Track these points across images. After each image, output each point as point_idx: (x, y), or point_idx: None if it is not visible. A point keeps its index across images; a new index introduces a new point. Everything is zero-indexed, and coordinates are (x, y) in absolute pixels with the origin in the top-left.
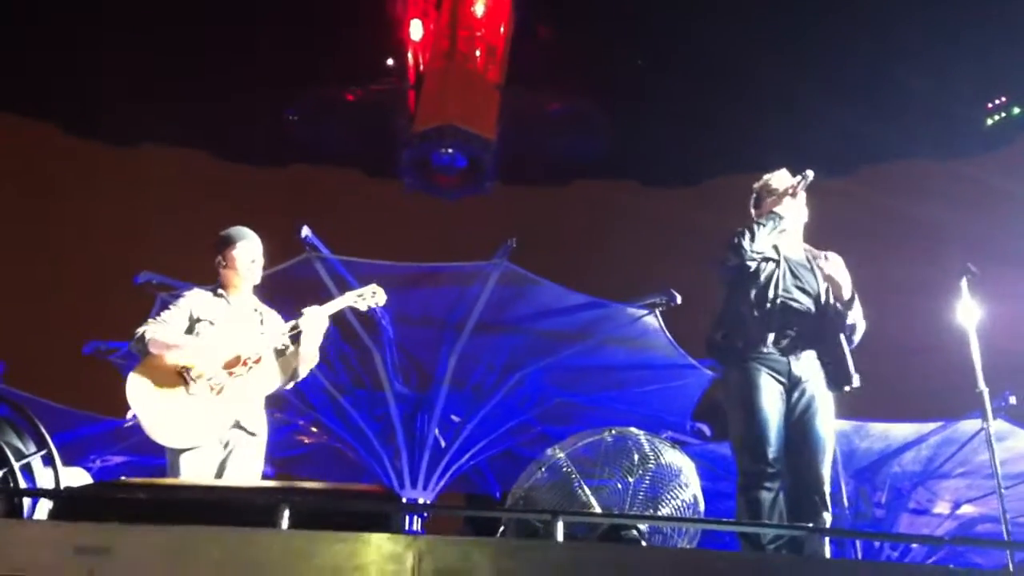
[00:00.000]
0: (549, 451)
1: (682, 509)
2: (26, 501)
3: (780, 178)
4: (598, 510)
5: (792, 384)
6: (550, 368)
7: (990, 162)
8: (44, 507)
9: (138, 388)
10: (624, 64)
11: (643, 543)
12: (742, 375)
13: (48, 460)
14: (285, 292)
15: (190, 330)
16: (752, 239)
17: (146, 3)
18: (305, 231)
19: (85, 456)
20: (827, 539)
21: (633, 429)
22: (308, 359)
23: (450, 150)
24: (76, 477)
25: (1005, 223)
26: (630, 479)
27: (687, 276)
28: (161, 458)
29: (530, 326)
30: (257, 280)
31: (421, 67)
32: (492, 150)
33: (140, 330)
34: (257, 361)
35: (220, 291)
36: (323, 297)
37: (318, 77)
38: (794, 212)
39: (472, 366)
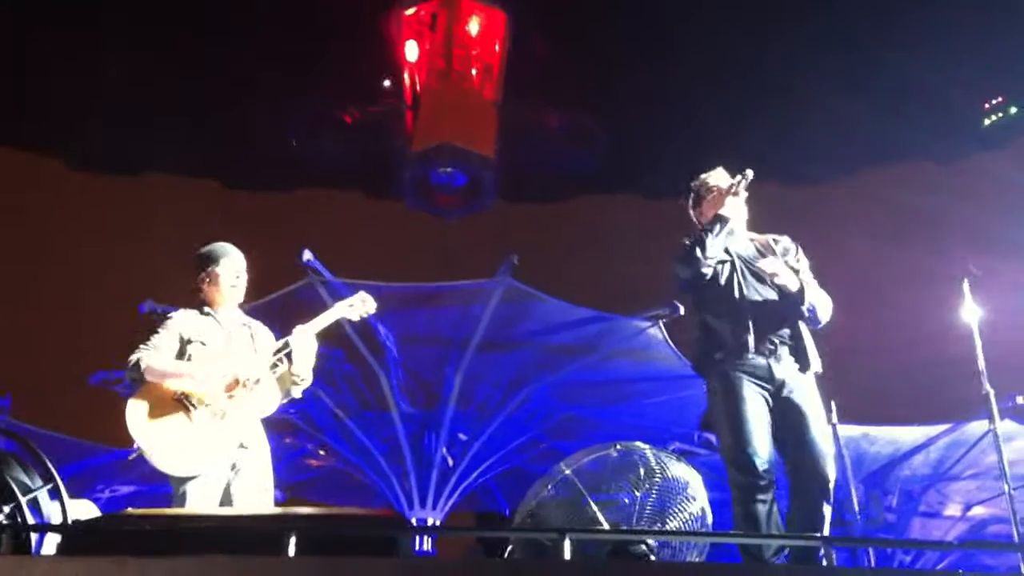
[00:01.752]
0: (556, 467)
1: (690, 522)
2: (34, 536)
3: (718, 176)
4: (606, 526)
5: (777, 387)
6: (556, 383)
7: (989, 162)
8: (52, 541)
9: (138, 417)
10: (621, 77)
11: (652, 558)
12: (724, 388)
13: (55, 494)
14: (288, 316)
15: (181, 352)
16: (703, 248)
17: (143, 30)
18: (306, 255)
19: (93, 487)
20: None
21: (639, 443)
22: (301, 380)
23: (449, 169)
24: (84, 509)
25: (1006, 223)
26: (637, 494)
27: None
28: (169, 486)
29: (535, 342)
30: (241, 297)
31: (418, 87)
32: (492, 167)
33: (133, 358)
34: (257, 382)
35: (207, 309)
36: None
37: (315, 100)
38: (737, 209)
39: (478, 384)
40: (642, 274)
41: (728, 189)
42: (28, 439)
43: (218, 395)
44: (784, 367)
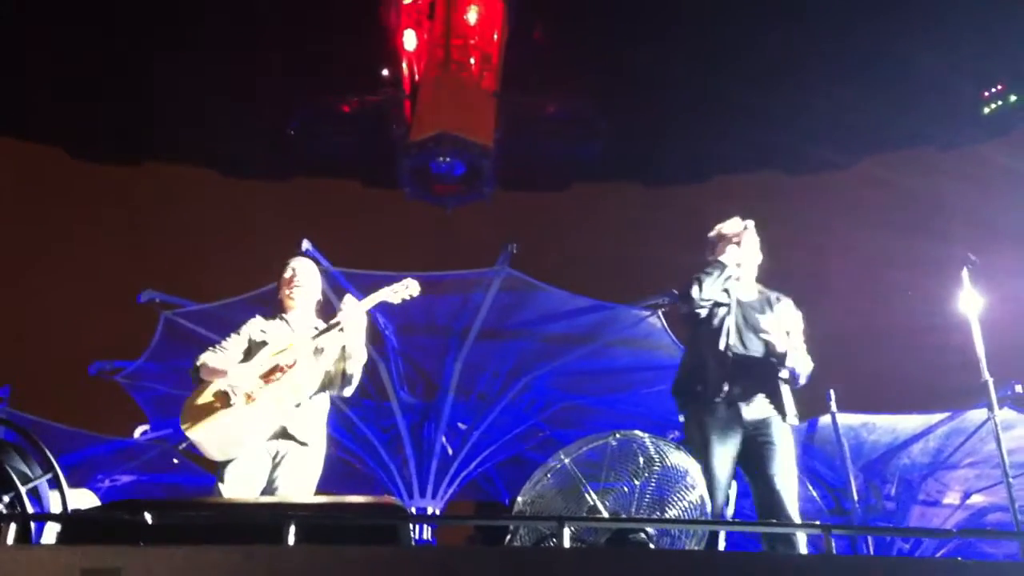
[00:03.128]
0: (555, 456)
1: (689, 511)
2: (33, 525)
3: (731, 226)
4: (605, 514)
5: (747, 428)
6: (555, 372)
7: (988, 150)
8: (52, 531)
9: (188, 407)
10: (621, 65)
11: (651, 546)
12: (697, 426)
13: (54, 483)
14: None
15: (249, 352)
16: (700, 288)
17: (143, 22)
18: (305, 244)
19: (93, 477)
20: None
21: (638, 432)
22: (356, 356)
23: (448, 158)
24: (83, 499)
25: (1005, 211)
26: (636, 482)
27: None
28: (169, 475)
29: (534, 331)
30: (307, 299)
31: (416, 77)
32: (490, 157)
33: (199, 359)
34: (291, 366)
35: (282, 314)
36: (326, 310)
37: (314, 90)
38: (745, 256)
39: (478, 373)
40: (641, 263)
41: (730, 237)
42: (28, 429)
43: (256, 381)
44: (759, 411)
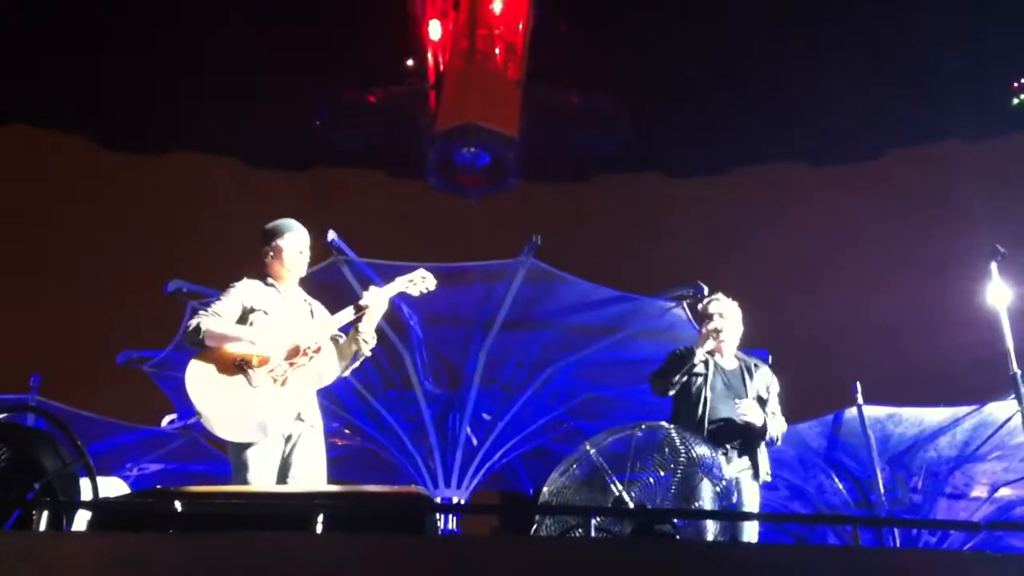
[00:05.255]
0: (580, 447)
1: (715, 501)
2: (65, 513)
3: (716, 305)
4: (631, 505)
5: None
6: (580, 363)
7: (1018, 142)
8: (83, 518)
9: (199, 383)
10: (644, 55)
11: (676, 537)
12: None
13: (85, 471)
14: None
15: (243, 319)
16: (670, 377)
17: (168, 10)
18: (331, 235)
19: (122, 465)
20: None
21: (664, 423)
22: (370, 338)
23: (473, 149)
24: (113, 487)
25: None
26: (662, 473)
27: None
28: (197, 463)
29: (558, 322)
30: (303, 272)
31: (441, 67)
32: (515, 147)
33: (193, 322)
34: (317, 351)
35: (271, 281)
36: (351, 299)
37: (339, 80)
38: (727, 335)
39: (502, 364)
40: (666, 254)
41: (709, 327)
42: (58, 417)
43: (279, 362)
44: (734, 470)
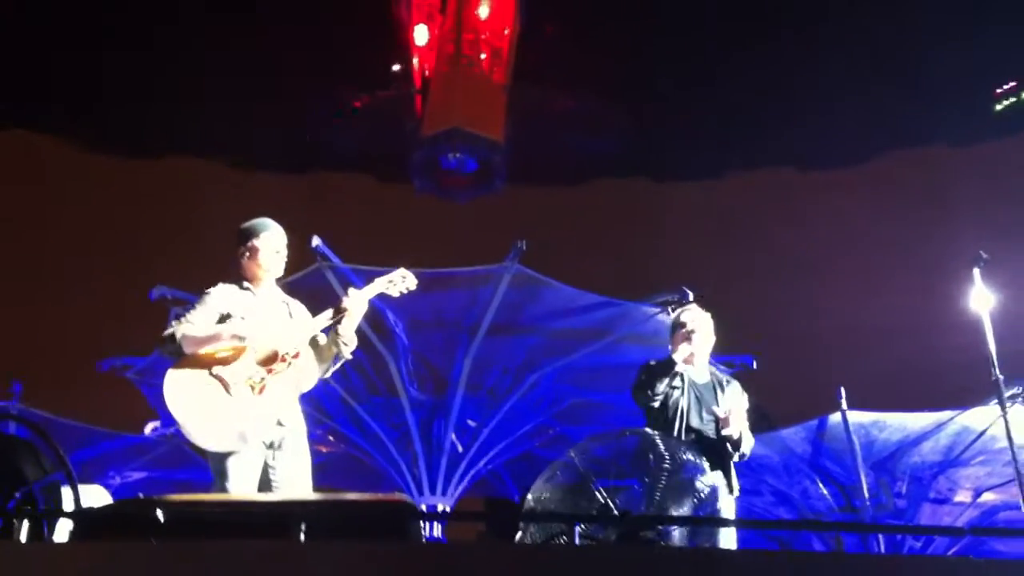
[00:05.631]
0: (565, 453)
1: (700, 507)
2: (46, 522)
3: (689, 315)
4: (616, 512)
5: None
6: (565, 368)
7: (1001, 147)
8: (64, 527)
9: (177, 392)
10: (632, 58)
11: (661, 543)
12: None
13: (66, 480)
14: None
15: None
16: (653, 388)
17: (154, 13)
18: (315, 241)
19: (104, 473)
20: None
21: (648, 429)
22: (350, 340)
23: (459, 153)
24: (95, 495)
25: (1019, 209)
26: (647, 479)
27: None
28: (180, 471)
29: (544, 327)
30: (280, 272)
31: (427, 72)
32: (501, 151)
33: (168, 331)
34: (296, 356)
35: (246, 284)
36: (336, 305)
37: (324, 84)
38: (698, 347)
39: (487, 369)
40: (656, 258)
41: (684, 334)
42: (39, 425)
43: (256, 368)
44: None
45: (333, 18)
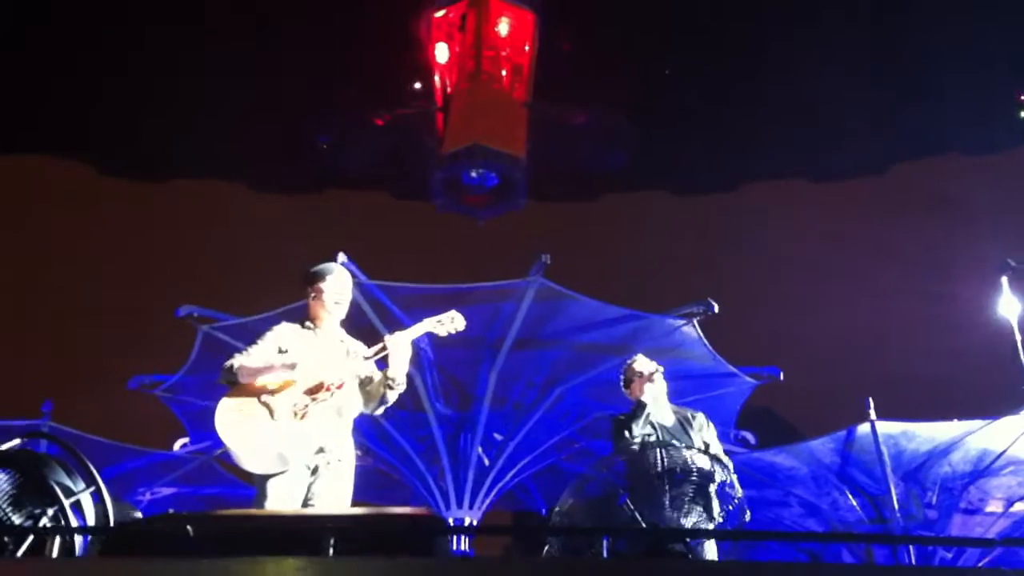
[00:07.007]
0: (591, 467)
1: (727, 517)
2: (77, 538)
3: (641, 363)
4: (643, 525)
5: None
6: (590, 382)
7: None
8: (95, 544)
9: (226, 418)
10: (648, 74)
11: (689, 556)
12: None
13: (97, 496)
14: None
15: None
16: (631, 431)
17: (173, 33)
18: (341, 257)
19: (134, 489)
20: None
21: (674, 442)
22: (396, 383)
23: (480, 170)
24: (124, 512)
25: None
26: (674, 491)
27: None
28: (210, 487)
29: (568, 341)
30: (343, 315)
31: (448, 89)
32: (522, 167)
33: (227, 363)
34: (340, 387)
35: (308, 323)
36: (360, 322)
37: (346, 103)
38: (658, 389)
39: (512, 383)
40: (674, 271)
41: (644, 376)
42: (70, 443)
43: (302, 397)
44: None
45: (354, 39)
